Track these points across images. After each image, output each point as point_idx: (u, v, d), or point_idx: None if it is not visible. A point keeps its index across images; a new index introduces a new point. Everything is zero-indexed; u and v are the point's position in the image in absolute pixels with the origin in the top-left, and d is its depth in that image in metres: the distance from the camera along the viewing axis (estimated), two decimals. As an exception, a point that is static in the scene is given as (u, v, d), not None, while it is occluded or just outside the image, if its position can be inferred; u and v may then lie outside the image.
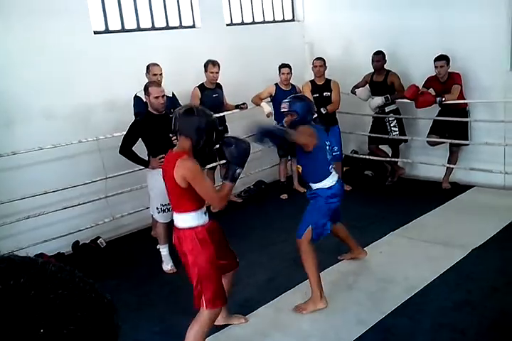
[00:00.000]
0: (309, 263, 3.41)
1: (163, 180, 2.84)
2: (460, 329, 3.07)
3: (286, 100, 3.57)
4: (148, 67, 4.75)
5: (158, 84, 4.22)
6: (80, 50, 4.68)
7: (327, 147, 3.49)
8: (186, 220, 2.76)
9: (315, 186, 3.49)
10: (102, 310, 0.56)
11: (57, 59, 4.54)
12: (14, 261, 0.55)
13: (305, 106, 3.51)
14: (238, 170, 2.71)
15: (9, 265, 0.54)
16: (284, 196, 5.90)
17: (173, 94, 4.93)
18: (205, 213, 2.82)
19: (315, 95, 5.66)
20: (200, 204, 2.77)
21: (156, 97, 3.97)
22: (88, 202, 4.61)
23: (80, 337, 0.51)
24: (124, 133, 4.15)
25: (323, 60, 5.74)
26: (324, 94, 5.69)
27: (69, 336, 0.50)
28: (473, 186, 5.62)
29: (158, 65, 4.75)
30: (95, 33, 4.91)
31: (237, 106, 5.53)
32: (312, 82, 5.80)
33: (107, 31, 5.05)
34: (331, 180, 3.47)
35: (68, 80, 4.62)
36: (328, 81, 5.75)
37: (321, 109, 5.50)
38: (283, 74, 5.68)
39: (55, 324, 0.50)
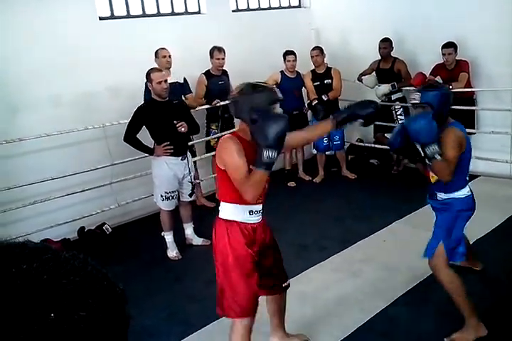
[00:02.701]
0: (453, 290, 2.86)
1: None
2: (462, 319, 3.08)
3: (417, 89, 3.00)
4: (156, 51, 4.80)
5: (159, 69, 4.22)
6: (85, 36, 4.66)
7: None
8: (223, 210, 2.46)
9: (450, 195, 2.88)
10: (113, 298, 0.56)
11: (62, 45, 4.53)
12: (28, 246, 0.55)
13: (441, 96, 2.77)
14: (267, 153, 2.18)
15: (23, 250, 0.54)
16: (292, 184, 5.90)
17: (184, 79, 4.94)
18: (251, 212, 2.43)
19: (316, 83, 5.71)
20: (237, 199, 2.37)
21: (159, 82, 3.94)
22: (93, 188, 4.63)
23: (90, 324, 0.51)
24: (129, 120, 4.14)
25: (320, 49, 5.73)
26: (325, 81, 5.71)
27: (79, 322, 0.51)
28: (478, 176, 5.60)
29: (165, 48, 4.80)
30: (101, 18, 4.88)
31: None
32: (313, 71, 5.82)
33: (112, 17, 5.02)
34: (467, 190, 2.91)
35: (74, 67, 4.60)
36: (328, 69, 5.77)
37: (322, 96, 5.56)
38: (288, 61, 5.66)
39: (66, 309, 0.50)
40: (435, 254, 2.87)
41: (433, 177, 2.87)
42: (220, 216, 2.47)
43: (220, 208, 2.49)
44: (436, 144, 2.64)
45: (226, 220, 2.44)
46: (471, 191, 2.94)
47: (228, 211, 2.44)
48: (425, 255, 2.93)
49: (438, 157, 2.64)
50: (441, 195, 2.91)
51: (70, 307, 0.51)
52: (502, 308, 3.20)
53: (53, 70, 4.49)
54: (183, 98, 4.89)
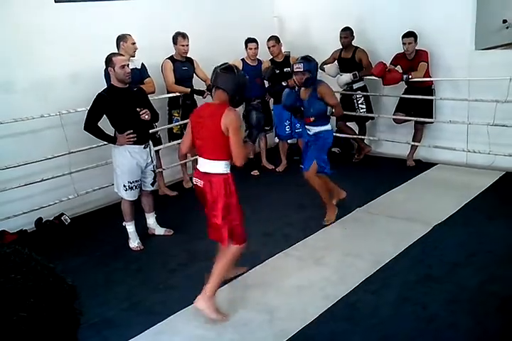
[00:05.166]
0: (320, 187, 4.25)
1: (197, 127, 3.01)
2: (421, 303, 3.17)
3: (299, 61, 4.09)
4: (124, 37, 4.64)
5: (121, 54, 4.14)
6: (40, 19, 4.49)
7: None
8: (219, 167, 3.01)
9: (320, 128, 4.20)
10: (60, 295, 0.53)
11: (16, 29, 4.35)
12: None
13: (315, 65, 4.16)
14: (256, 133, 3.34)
15: None
16: (256, 172, 5.89)
17: (142, 64, 4.83)
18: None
19: (276, 72, 5.66)
20: (231, 156, 3.01)
21: (122, 66, 3.83)
22: (51, 178, 4.49)
23: (33, 324, 0.48)
24: (88, 107, 4.01)
25: (276, 39, 5.71)
26: (285, 70, 5.66)
27: (19, 323, 0.47)
28: (436, 163, 5.75)
29: (130, 35, 4.69)
30: (56, 1, 4.70)
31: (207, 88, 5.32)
32: (272, 60, 5.80)
33: (69, 0, 4.83)
34: (330, 126, 4.29)
35: (28, 52, 4.44)
36: (287, 57, 5.75)
37: (282, 83, 5.52)
38: (250, 49, 5.61)
39: (4, 310, 0.47)
40: (311, 168, 4.18)
41: (311, 120, 4.17)
42: (217, 172, 3.01)
43: (210, 166, 3.02)
44: (331, 109, 4.13)
45: (226, 174, 3.03)
46: (331, 127, 4.35)
47: (225, 166, 3.03)
48: (305, 169, 4.23)
49: (333, 111, 4.16)
50: (314, 129, 4.22)
51: (9, 307, 0.47)
52: (461, 291, 3.29)
53: (7, 56, 4.31)
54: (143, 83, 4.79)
